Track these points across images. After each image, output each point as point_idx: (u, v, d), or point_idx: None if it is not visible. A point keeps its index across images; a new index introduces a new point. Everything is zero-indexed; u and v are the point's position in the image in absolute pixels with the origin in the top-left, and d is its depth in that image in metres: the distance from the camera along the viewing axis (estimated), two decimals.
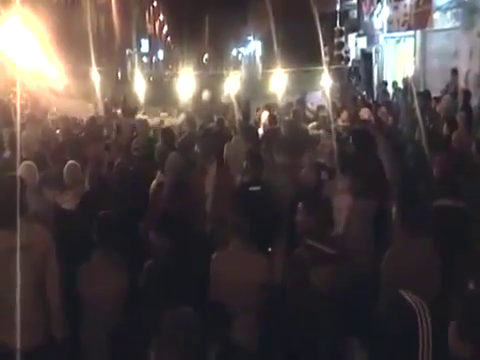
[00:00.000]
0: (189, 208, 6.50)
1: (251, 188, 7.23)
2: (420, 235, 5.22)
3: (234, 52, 67.43)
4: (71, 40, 29.38)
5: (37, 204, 6.40)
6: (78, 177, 7.42)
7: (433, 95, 14.62)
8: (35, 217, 5.64)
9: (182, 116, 14.54)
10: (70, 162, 7.53)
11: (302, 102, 15.80)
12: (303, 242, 5.61)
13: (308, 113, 14.74)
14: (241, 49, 64.35)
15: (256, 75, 36.09)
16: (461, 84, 16.99)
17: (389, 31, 22.03)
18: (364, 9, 23.68)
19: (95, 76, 20.60)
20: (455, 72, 17.04)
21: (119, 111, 16.44)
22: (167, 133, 9.69)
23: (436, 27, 18.28)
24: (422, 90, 16.39)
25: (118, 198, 7.23)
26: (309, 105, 15.99)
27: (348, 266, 5.43)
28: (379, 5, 21.95)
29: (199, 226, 6.94)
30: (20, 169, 6.86)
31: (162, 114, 16.97)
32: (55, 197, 7.13)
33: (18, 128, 7.85)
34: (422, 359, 3.06)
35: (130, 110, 15.95)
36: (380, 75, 23.32)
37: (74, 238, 6.02)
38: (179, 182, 7.13)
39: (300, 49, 28.31)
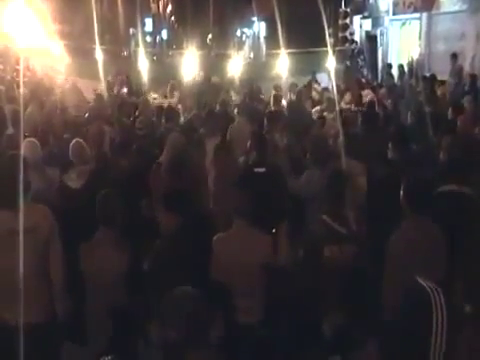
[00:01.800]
0: (189, 187, 6.47)
1: (256, 169, 7.20)
2: (427, 219, 5.21)
3: (238, 33, 67.06)
4: (74, 19, 29.19)
5: (39, 182, 6.37)
6: (84, 155, 7.36)
7: (439, 78, 14.52)
8: (38, 196, 5.61)
9: (176, 95, 14.48)
10: (75, 140, 7.47)
11: (309, 84, 15.73)
12: (319, 218, 5.63)
13: (314, 94, 14.68)
14: (245, 30, 63.97)
15: (260, 56, 35.91)
16: (467, 68, 16.87)
17: (394, 13, 21.87)
18: None
19: (99, 55, 20.51)
20: (455, 56, 16.88)
21: (124, 90, 16.40)
22: (170, 112, 9.65)
23: (442, 10, 18.15)
24: (427, 73, 16.28)
25: (121, 177, 7.21)
26: (316, 86, 15.92)
27: (357, 247, 5.44)
28: None
29: (201, 206, 6.91)
30: (23, 146, 6.81)
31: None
32: (59, 175, 7.10)
33: (21, 105, 7.78)
34: (435, 345, 3.04)
35: (133, 90, 15.91)
36: (385, 58, 23.16)
37: (79, 216, 6.00)
38: (178, 160, 7.10)
39: (304, 30, 28.06)
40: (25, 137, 7.42)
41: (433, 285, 3.11)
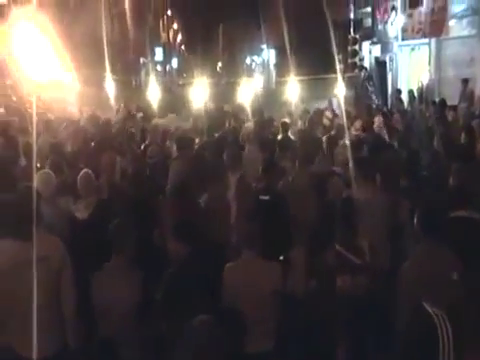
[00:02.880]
0: (195, 216, 6.49)
1: (261, 197, 7.23)
2: (439, 244, 5.20)
3: (248, 60, 67.57)
4: (86, 49, 29.54)
5: (52, 213, 6.41)
6: (92, 186, 7.41)
7: (449, 103, 14.52)
8: (50, 227, 5.65)
9: (191, 121, 14.56)
10: (84, 171, 7.53)
11: (319, 111, 15.76)
12: (332, 247, 5.63)
13: (325, 121, 14.70)
14: (255, 57, 64.47)
15: (270, 83, 36.17)
16: (477, 92, 16.87)
17: (403, 39, 21.95)
18: (378, 17, 23.62)
19: (110, 85, 20.71)
20: (466, 81, 16.91)
21: (140, 114, 16.53)
22: (182, 141, 9.70)
23: (451, 35, 18.18)
24: (437, 98, 16.29)
25: (131, 206, 7.23)
26: (327, 113, 15.96)
27: (371, 277, 5.43)
28: (393, 13, 21.87)
29: (212, 235, 6.91)
30: (37, 178, 6.86)
31: (170, 115, 16.90)
32: (69, 205, 7.14)
33: (34, 136, 7.90)
34: None
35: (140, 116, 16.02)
36: (394, 83, 23.21)
37: (87, 247, 6.02)
38: (182, 189, 7.13)
39: (314, 57, 28.32)
40: (38, 168, 7.48)
41: (439, 311, 3.10)
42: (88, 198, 7.24)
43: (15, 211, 4.96)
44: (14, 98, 19.35)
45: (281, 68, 33.21)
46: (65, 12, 28.21)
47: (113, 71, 29.17)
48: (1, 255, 4.90)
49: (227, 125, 13.58)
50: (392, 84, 23.40)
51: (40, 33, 7.09)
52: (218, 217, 7.20)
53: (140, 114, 16.87)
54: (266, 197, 7.20)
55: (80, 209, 7.08)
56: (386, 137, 12.09)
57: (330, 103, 17.22)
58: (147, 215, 7.00)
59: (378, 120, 13.95)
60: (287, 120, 13.88)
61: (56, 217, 6.56)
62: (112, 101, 20.17)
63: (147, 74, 48.80)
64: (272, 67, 46.99)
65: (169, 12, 72.90)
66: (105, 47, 35.62)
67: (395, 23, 21.82)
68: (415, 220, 5.34)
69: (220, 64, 71.81)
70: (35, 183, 5.76)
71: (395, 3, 21.44)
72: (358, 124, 13.64)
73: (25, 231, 4.77)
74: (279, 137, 12.02)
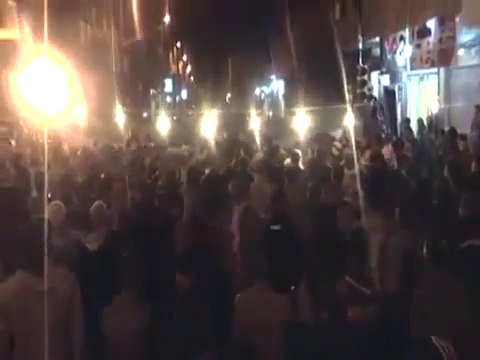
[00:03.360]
0: (208, 246, 6.50)
1: (272, 227, 7.23)
2: (448, 274, 5.18)
3: (257, 91, 68.00)
4: (97, 81, 29.80)
5: (62, 244, 6.43)
6: (103, 217, 7.44)
7: (459, 132, 14.51)
8: (60, 259, 5.67)
9: (205, 152, 14.61)
10: (97, 202, 7.57)
11: (327, 140, 15.79)
12: (342, 278, 5.61)
13: (334, 151, 14.71)
14: (264, 88, 64.88)
15: (279, 113, 36.31)
16: None
17: (412, 68, 21.97)
18: (387, 47, 23.72)
19: (120, 116, 20.87)
20: (478, 108, 16.89)
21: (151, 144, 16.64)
22: (193, 172, 9.76)
23: (460, 64, 18.20)
24: (447, 127, 16.29)
25: (143, 238, 7.24)
26: (336, 143, 15.97)
27: (381, 307, 5.40)
28: (402, 43, 21.96)
29: (223, 265, 6.90)
30: (48, 209, 6.90)
31: (184, 147, 16.96)
32: (80, 237, 7.16)
33: (45, 168, 7.96)
34: None
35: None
36: (404, 113, 23.23)
37: (98, 279, 6.02)
38: (197, 220, 7.15)
39: (323, 87, 28.37)
40: (49, 200, 7.52)
41: (446, 344, 3.08)
42: (99, 229, 7.28)
43: (26, 243, 4.98)
44: (25, 130, 19.51)
45: (290, 98, 33.39)
46: (76, 45, 28.53)
47: (123, 103, 29.44)
48: (11, 288, 4.91)
49: (236, 156, 13.60)
50: (401, 113, 23.42)
51: (51, 66, 7.19)
52: (224, 247, 7.21)
53: (151, 144, 16.98)
54: (277, 227, 7.20)
55: (91, 240, 7.10)
56: (396, 166, 12.08)
57: (344, 135, 17.24)
58: (158, 247, 7.01)
59: (388, 149, 13.96)
60: (297, 150, 13.92)
61: (66, 248, 6.58)
62: (122, 132, 20.30)
63: (157, 105, 49.25)
64: (281, 97, 47.21)
65: (179, 44, 73.69)
66: (115, 79, 36.02)
67: (403, 53, 21.90)
68: (424, 250, 5.32)
69: (229, 95, 72.31)
70: (46, 214, 5.79)
71: (403, 33, 21.53)
72: (368, 154, 13.64)
73: (35, 263, 4.81)
74: (288, 167, 12.04)
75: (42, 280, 4.73)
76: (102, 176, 10.76)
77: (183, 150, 16.10)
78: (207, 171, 11.22)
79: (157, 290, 5.81)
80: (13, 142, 17.21)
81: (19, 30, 21.96)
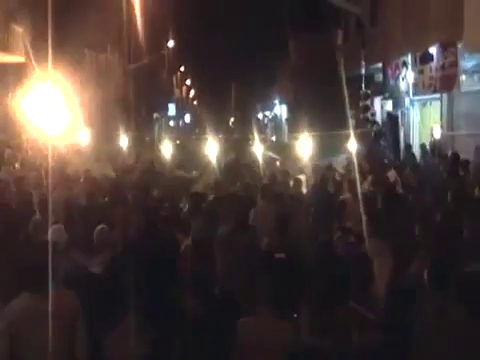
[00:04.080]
0: (212, 271, 6.50)
1: (277, 255, 7.22)
2: (450, 301, 5.16)
3: (260, 115, 68.23)
4: (101, 104, 30.01)
5: (66, 267, 6.44)
6: (107, 241, 7.44)
7: (462, 158, 14.52)
8: (64, 281, 5.68)
9: (209, 177, 14.61)
10: (100, 226, 7.58)
11: (331, 167, 15.83)
12: (346, 303, 5.60)
13: (337, 176, 14.73)
14: (267, 113, 65.12)
15: (282, 138, 36.36)
16: None
17: (415, 94, 22.06)
18: (389, 72, 23.81)
19: (123, 140, 20.96)
20: None
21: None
22: (196, 197, 9.77)
23: (463, 90, 18.26)
24: (450, 153, 16.29)
25: (146, 262, 7.22)
26: (339, 168, 16.00)
27: (385, 333, 5.39)
28: (404, 68, 22.05)
29: (227, 290, 6.88)
30: (50, 232, 6.92)
31: (187, 171, 16.93)
32: (84, 260, 7.16)
33: (49, 191, 8.01)
34: None
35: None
36: (407, 138, 23.26)
37: (101, 303, 6.01)
38: (201, 244, 7.15)
39: (326, 112, 28.50)
40: (53, 223, 7.53)
41: None
42: (103, 253, 7.27)
43: (30, 266, 5.04)
44: (30, 152, 19.60)
45: (293, 123, 33.46)
46: (81, 70, 28.73)
47: (127, 127, 29.57)
48: (16, 310, 4.96)
49: (240, 180, 13.61)
50: (404, 139, 23.44)
51: (56, 91, 7.25)
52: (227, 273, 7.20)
53: (154, 168, 17.00)
54: (281, 255, 7.19)
55: (94, 264, 7.09)
56: (400, 191, 12.08)
57: (350, 160, 17.28)
58: (162, 272, 6.99)
59: (392, 175, 13.96)
60: (300, 176, 13.94)
61: (69, 271, 6.58)
62: (125, 156, 20.37)
63: (160, 129, 49.42)
64: (284, 122, 47.34)
65: (182, 68, 74.14)
66: (119, 103, 36.23)
67: (406, 78, 21.98)
68: (426, 275, 5.31)
69: (232, 119, 72.57)
70: (49, 237, 5.81)
71: (406, 59, 21.64)
72: (371, 179, 13.64)
73: (40, 285, 4.87)
74: (291, 193, 12.05)
75: (46, 302, 4.78)
76: (105, 199, 10.78)
77: (186, 174, 16.12)
78: (211, 195, 11.23)
79: (161, 314, 5.79)
80: (17, 165, 17.28)
81: (25, 54, 22.13)
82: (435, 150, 18.76)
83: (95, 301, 5.99)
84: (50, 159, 8.29)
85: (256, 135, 25.80)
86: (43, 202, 9.15)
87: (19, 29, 22.28)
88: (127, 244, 7.83)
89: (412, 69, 21.28)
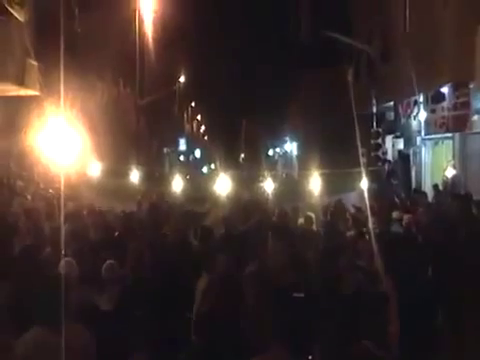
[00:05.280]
0: (225, 308, 6.41)
1: (295, 294, 7.13)
2: (468, 342, 5.08)
3: (270, 152, 68.39)
4: (112, 138, 30.14)
5: (76, 302, 6.36)
6: (115, 277, 7.38)
7: (475, 198, 14.42)
8: (75, 316, 5.62)
9: (220, 212, 14.56)
10: (108, 262, 7.53)
11: (341, 203, 15.74)
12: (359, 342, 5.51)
13: (348, 215, 14.62)
14: (277, 149, 65.28)
15: (293, 175, 36.30)
16: None
17: (427, 133, 22.04)
18: (401, 111, 23.84)
19: (133, 175, 20.98)
20: None
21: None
22: (206, 232, 9.74)
23: (475, 129, 18.25)
24: (463, 193, 16.20)
25: (153, 296, 7.17)
26: (350, 206, 15.89)
27: None
28: (416, 107, 22.06)
29: (239, 327, 6.79)
30: (61, 266, 6.88)
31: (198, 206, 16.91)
32: (93, 296, 7.09)
33: (62, 223, 7.98)
34: None
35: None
36: (418, 177, 23.18)
37: (111, 339, 5.93)
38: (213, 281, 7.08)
39: (336, 150, 28.53)
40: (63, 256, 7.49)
41: None
42: (111, 289, 7.21)
43: (42, 299, 5.05)
44: (41, 185, 19.65)
45: (304, 160, 33.48)
46: (93, 104, 28.94)
47: (137, 161, 29.66)
48: (28, 343, 4.97)
49: (252, 216, 13.54)
50: (416, 177, 23.36)
51: (68, 124, 7.30)
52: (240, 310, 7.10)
53: (165, 202, 16.98)
54: (300, 295, 7.09)
55: (104, 300, 7.02)
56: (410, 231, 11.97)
57: (356, 196, 17.22)
58: (173, 308, 6.93)
59: (402, 214, 13.84)
60: (310, 213, 13.86)
61: (81, 305, 6.52)
62: (135, 190, 20.38)
63: (170, 164, 49.57)
64: (295, 159, 47.42)
65: (193, 104, 74.66)
66: (130, 137, 36.40)
67: (418, 117, 21.98)
68: (441, 317, 5.24)
69: (242, 155, 72.77)
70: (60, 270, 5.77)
71: (417, 98, 21.68)
72: (382, 218, 13.54)
73: (51, 319, 4.87)
74: (302, 230, 11.97)
75: (59, 336, 4.76)
76: (116, 234, 10.75)
77: (197, 209, 16.08)
78: (221, 231, 11.17)
79: (172, 352, 5.71)
80: (29, 197, 17.32)
81: (39, 88, 22.40)
82: (447, 189, 18.68)
83: (105, 337, 5.92)
84: (62, 191, 8.30)
85: (266, 171, 25.81)
86: (55, 235, 9.11)
87: (34, 63, 22.57)
88: (138, 280, 7.75)
89: (424, 108, 21.30)
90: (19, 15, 20.95)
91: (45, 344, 4.89)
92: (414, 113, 22.39)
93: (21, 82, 21.70)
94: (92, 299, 7.00)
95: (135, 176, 21.01)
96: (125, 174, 23.45)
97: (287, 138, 56.38)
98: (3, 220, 11.14)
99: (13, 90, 22.08)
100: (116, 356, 5.42)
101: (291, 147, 54.23)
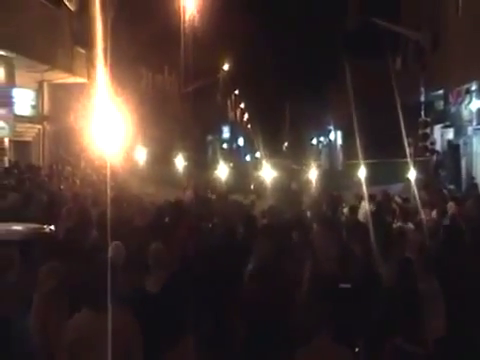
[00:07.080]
0: (270, 296, 6.39)
1: (342, 285, 7.05)
2: None
3: (314, 141, 67.94)
4: (157, 126, 30.26)
5: (124, 285, 6.39)
6: (162, 260, 7.37)
7: None
8: (122, 299, 5.64)
9: (265, 201, 14.56)
10: (155, 244, 7.52)
11: (388, 195, 15.52)
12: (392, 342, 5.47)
13: (395, 206, 14.42)
14: (321, 138, 64.77)
15: (337, 165, 36.03)
16: None
17: (479, 123, 21.36)
18: (451, 100, 23.25)
19: (178, 162, 21.10)
20: None
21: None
22: (253, 222, 9.75)
23: None
24: None
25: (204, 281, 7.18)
26: (396, 198, 15.67)
27: None
28: (468, 96, 21.45)
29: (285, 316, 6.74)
30: (110, 249, 6.93)
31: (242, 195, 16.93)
32: (140, 279, 7.11)
33: (108, 208, 8.03)
34: None
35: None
36: (469, 168, 22.51)
37: (158, 322, 5.94)
38: (265, 269, 7.05)
39: (383, 140, 28.07)
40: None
41: None
42: (157, 272, 7.20)
43: (91, 281, 5.12)
44: (88, 170, 19.90)
45: (348, 150, 33.12)
46: (139, 91, 29.17)
47: (181, 148, 29.77)
48: (77, 325, 5.05)
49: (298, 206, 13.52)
50: (466, 169, 22.71)
51: (115, 111, 7.35)
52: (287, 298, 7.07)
53: (209, 191, 17.03)
54: (347, 285, 7.01)
55: (150, 283, 7.02)
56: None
57: (403, 187, 17.00)
58: (218, 293, 6.92)
59: (451, 207, 13.58)
60: (355, 203, 13.73)
61: (128, 288, 6.55)
62: (180, 177, 20.49)
63: (214, 152, 49.70)
64: (339, 148, 46.90)
65: (237, 91, 74.61)
66: (175, 125, 36.56)
67: (470, 106, 21.37)
68: None
69: (286, 144, 72.51)
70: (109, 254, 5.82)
71: (470, 86, 21.09)
72: (430, 210, 13.33)
73: (99, 302, 4.94)
74: (348, 221, 11.88)
75: (106, 319, 4.81)
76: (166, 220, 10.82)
77: (241, 198, 16.10)
78: (265, 220, 11.15)
79: (219, 337, 5.72)
80: (78, 181, 17.56)
81: (87, 75, 22.83)
82: None
83: (152, 320, 5.94)
84: (109, 177, 8.33)
85: (310, 160, 25.67)
86: (102, 219, 9.18)
87: (82, 51, 22.95)
88: (185, 266, 7.77)
89: (476, 97, 20.73)
90: (70, 4, 21.34)
91: (93, 327, 4.93)
92: (465, 102, 21.79)
93: (70, 70, 22.16)
94: (140, 282, 7.02)
95: (180, 163, 21.12)
96: (170, 161, 23.61)
97: (331, 127, 55.81)
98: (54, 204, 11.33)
99: (62, 78, 22.59)
100: (164, 339, 5.42)
101: (335, 136, 53.67)
